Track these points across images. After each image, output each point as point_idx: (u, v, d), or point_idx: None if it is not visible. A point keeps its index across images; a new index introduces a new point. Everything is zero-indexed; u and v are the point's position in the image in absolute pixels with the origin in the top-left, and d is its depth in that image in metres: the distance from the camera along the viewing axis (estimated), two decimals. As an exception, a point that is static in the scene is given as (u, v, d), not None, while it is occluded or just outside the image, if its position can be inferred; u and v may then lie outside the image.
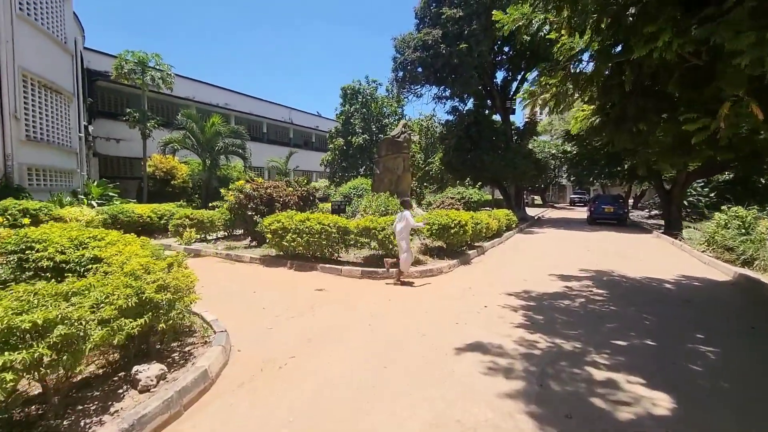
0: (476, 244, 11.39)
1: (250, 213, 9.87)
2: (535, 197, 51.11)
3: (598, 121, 6.30)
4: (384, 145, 12.14)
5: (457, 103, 24.70)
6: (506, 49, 24.97)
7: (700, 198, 25.89)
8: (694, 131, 5.07)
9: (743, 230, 10.07)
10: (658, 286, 7.11)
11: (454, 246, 9.40)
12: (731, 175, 19.36)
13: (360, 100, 27.52)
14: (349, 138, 26.81)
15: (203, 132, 20.14)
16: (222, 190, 11.05)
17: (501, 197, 26.85)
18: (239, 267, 8.26)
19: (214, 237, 11.56)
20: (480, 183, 25.62)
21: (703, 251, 10.81)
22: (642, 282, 7.33)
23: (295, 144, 39.99)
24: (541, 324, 4.89)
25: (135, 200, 18.11)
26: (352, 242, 7.72)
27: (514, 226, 16.41)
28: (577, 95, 6.89)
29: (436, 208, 15.12)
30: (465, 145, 24.24)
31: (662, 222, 29.11)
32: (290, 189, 13.29)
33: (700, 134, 4.90)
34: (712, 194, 29.37)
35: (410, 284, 6.90)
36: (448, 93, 23.51)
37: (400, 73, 21.50)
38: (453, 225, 8.78)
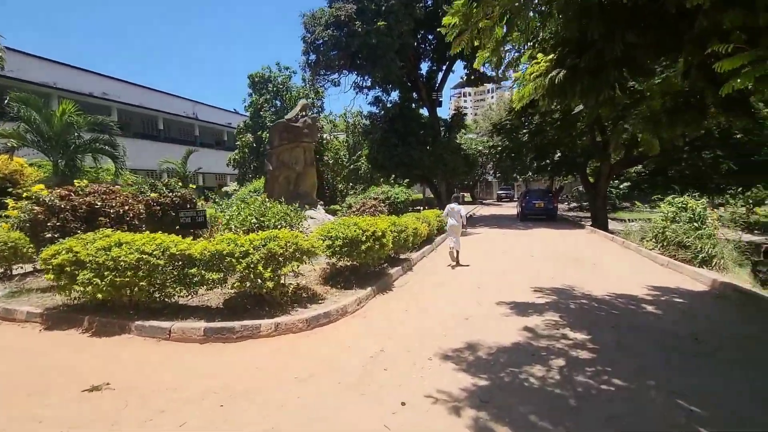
0: (402, 256, 8.94)
1: (50, 234, 6.28)
2: (465, 194, 51.32)
3: (561, 75, 4.11)
4: (277, 132, 9.11)
5: (380, 93, 22.39)
6: (430, 37, 23.33)
7: (611, 190, 26.78)
8: (727, 75, 3.03)
9: (695, 224, 8.93)
10: (638, 309, 5.18)
11: (369, 266, 6.80)
12: (651, 167, 19.58)
13: (271, 89, 23.95)
14: (260, 133, 23.10)
15: (50, 123, 15.21)
16: (9, 201, 7.17)
17: (436, 196, 25.20)
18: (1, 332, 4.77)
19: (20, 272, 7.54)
20: (408, 180, 23.67)
21: (652, 249, 9.57)
22: (617, 305, 5.34)
23: (203, 143, 34.78)
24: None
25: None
26: (196, 279, 4.71)
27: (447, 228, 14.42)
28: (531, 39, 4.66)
29: (356, 211, 12.49)
30: (391, 139, 22.04)
31: (585, 214, 29.89)
32: (154, 195, 9.69)
33: (750, 74, 2.83)
34: (623, 186, 30.95)
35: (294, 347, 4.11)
36: (369, 81, 21.08)
37: (312, 56, 18.52)
38: (364, 238, 6.15)
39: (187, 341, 4.28)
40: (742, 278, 7.08)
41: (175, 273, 4.76)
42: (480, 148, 38.40)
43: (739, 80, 2.88)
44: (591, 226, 17.29)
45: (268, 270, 4.64)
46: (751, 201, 22.24)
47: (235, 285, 4.74)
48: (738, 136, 15.82)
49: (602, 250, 10.84)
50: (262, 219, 5.68)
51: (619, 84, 3.92)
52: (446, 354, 3.81)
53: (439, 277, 7.52)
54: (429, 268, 8.50)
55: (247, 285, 4.75)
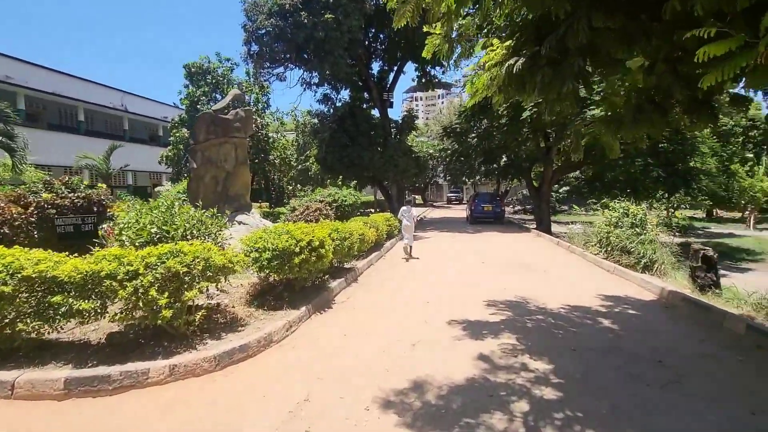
0: (347, 266, 8.14)
1: None
2: (417, 196, 51.68)
3: (520, 64, 3.57)
4: (203, 125, 7.87)
5: (329, 91, 21.43)
6: (382, 36, 22.80)
7: (551, 194, 28.12)
8: (704, 66, 2.63)
9: (637, 229, 9.08)
10: (596, 325, 4.82)
11: (306, 280, 5.91)
12: (589, 174, 20.55)
13: (210, 81, 22.01)
14: (196, 128, 21.11)
15: None
16: None
17: (387, 198, 24.65)
18: None
19: None
20: (356, 182, 22.93)
21: (597, 254, 9.64)
22: (574, 321, 4.96)
23: (134, 138, 31.45)
24: None
25: None
26: (63, 309, 3.55)
27: (396, 232, 13.84)
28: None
29: (299, 215, 11.47)
30: (341, 139, 21.17)
31: (529, 217, 31.05)
32: (47, 195, 8.03)
33: (736, 61, 2.43)
34: (562, 190, 32.65)
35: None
36: (317, 78, 20.05)
37: (255, 47, 17.15)
38: (298, 249, 5.27)
39: (41, 398, 3.14)
40: (682, 283, 7.14)
41: (33, 303, 3.56)
42: (431, 151, 38.77)
43: (725, 69, 2.45)
44: (536, 229, 17.69)
45: (165, 295, 3.61)
46: (672, 205, 24.33)
47: (117, 317, 3.64)
48: (663, 145, 16.99)
49: (550, 255, 10.81)
50: (166, 228, 4.56)
51: (583, 77, 3.45)
52: (388, 399, 3.06)
53: (386, 289, 6.81)
54: (376, 278, 7.77)
55: (137, 315, 3.68)
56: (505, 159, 22.46)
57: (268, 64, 18.83)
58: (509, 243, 13.38)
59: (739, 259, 16.01)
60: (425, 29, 4.73)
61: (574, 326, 4.73)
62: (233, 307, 5.05)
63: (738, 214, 28.63)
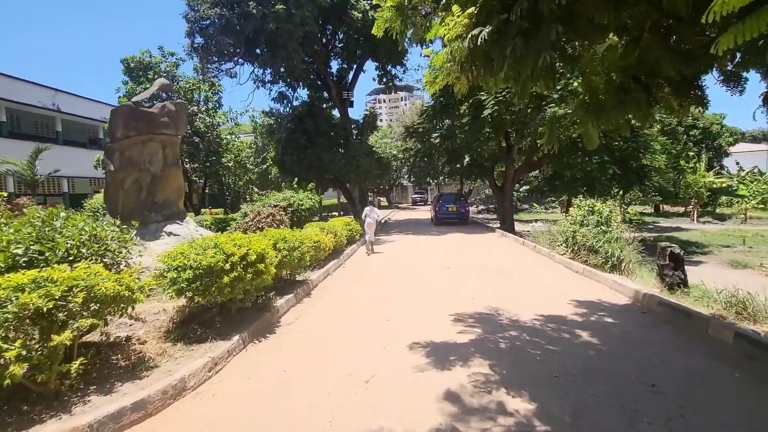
0: (299, 278, 7.24)
1: None
2: (382, 198, 51.11)
3: (486, 34, 2.90)
4: (120, 119, 6.57)
5: (285, 89, 20.26)
6: (340, 35, 21.95)
7: (513, 193, 28.52)
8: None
9: (603, 227, 8.84)
10: (575, 340, 4.27)
11: (243, 301, 4.96)
12: (548, 173, 20.79)
13: (152, 77, 20.15)
14: (137, 129, 19.21)
15: None
16: None
17: (349, 201, 23.74)
18: None
19: None
20: (313, 185, 21.91)
21: (563, 254, 9.34)
22: (550, 336, 4.37)
23: (69, 141, 28.44)
24: None
25: None
26: None
27: (358, 237, 13.03)
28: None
29: (250, 222, 10.40)
30: (299, 140, 20.09)
31: (492, 216, 31.27)
32: None
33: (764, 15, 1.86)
34: (523, 189, 33.28)
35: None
36: (270, 75, 18.86)
37: (199, 40, 15.76)
38: (229, 266, 4.33)
39: None
40: (650, 282, 6.88)
41: None
42: (394, 152, 38.37)
43: (746, 27, 1.87)
44: (500, 228, 17.55)
45: (18, 343, 2.59)
46: (625, 201, 25.29)
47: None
48: (617, 144, 17.39)
49: (517, 256, 10.44)
50: (38, 248, 3.45)
51: (560, 49, 2.85)
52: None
53: (342, 304, 5.98)
54: (332, 291, 6.92)
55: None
56: (468, 159, 22.30)
57: (216, 59, 17.44)
58: (475, 245, 12.96)
59: (690, 252, 16.61)
60: (374, 1, 4.01)
61: (551, 343, 4.14)
62: (143, 342, 4.03)
63: (682, 209, 30.34)
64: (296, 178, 21.37)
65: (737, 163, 31.34)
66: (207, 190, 25.34)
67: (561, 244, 9.68)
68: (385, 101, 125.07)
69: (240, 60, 17.41)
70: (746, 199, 24.99)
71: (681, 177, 23.00)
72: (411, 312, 5.39)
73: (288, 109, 20.31)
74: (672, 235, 20.88)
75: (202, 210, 22.04)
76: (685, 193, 24.37)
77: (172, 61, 21.09)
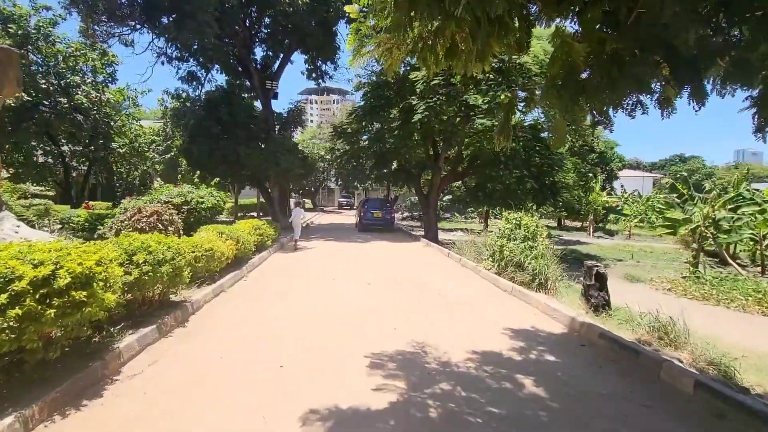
0: (175, 298, 5.53)
1: None
2: (307, 201, 48.87)
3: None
4: None
5: (196, 69, 17.62)
6: (267, 20, 19.94)
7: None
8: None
9: (529, 242, 8.52)
10: (519, 391, 3.41)
11: (54, 347, 3.22)
12: (472, 184, 21.11)
13: (15, 33, 16.01)
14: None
15: None
16: None
17: (267, 202, 21.51)
18: None
19: None
20: (230, 182, 19.53)
21: (489, 268, 8.86)
22: (490, 386, 3.46)
23: None
24: None
25: None
26: None
27: (270, 242, 11.37)
28: None
29: (126, 223, 8.19)
30: (211, 129, 17.61)
31: (416, 224, 31.33)
32: None
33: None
34: (446, 198, 34.02)
35: None
36: (177, 49, 16.18)
37: (80, -8, 12.72)
38: (5, 300, 2.65)
39: None
40: (575, 302, 6.56)
41: None
42: (322, 152, 36.74)
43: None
44: (424, 237, 17.16)
45: None
46: (536, 215, 27.03)
47: None
48: (536, 160, 18.14)
49: (443, 270, 9.78)
50: None
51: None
52: None
53: (222, 342, 4.46)
54: (217, 319, 5.32)
55: None
56: (395, 165, 21.74)
57: (106, 20, 14.35)
58: (399, 255, 12.14)
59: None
60: None
61: (491, 399, 3.22)
62: None
63: (578, 224, 33.61)
64: (206, 173, 18.73)
65: (622, 186, 35.72)
66: (93, 180, 21.10)
67: (487, 258, 9.22)
68: (316, 102, 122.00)
69: (137, 25, 14.55)
70: (629, 218, 28.36)
71: (587, 195, 25.15)
72: (315, 354, 4.12)
73: (198, 93, 17.69)
74: (575, 248, 22.64)
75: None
76: (586, 209, 26.81)
77: (48, 18, 17.00)
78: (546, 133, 17.27)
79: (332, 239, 16.00)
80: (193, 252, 5.74)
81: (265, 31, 20.34)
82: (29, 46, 16.09)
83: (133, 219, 8.32)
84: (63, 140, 16.28)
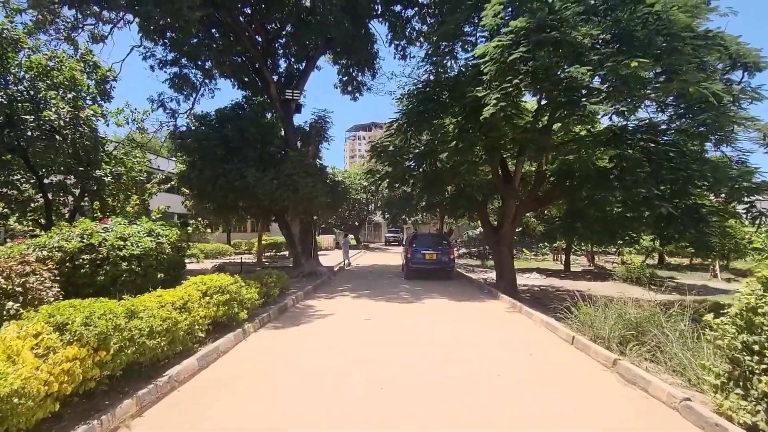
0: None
1: None
2: (351, 236, 44.78)
3: None
4: None
5: (190, 71, 14.26)
6: (289, 28, 16.55)
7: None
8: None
9: None
10: None
11: None
12: (563, 209, 15.27)
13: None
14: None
15: None
16: None
17: (288, 240, 17.14)
18: None
19: None
20: (242, 214, 15.51)
21: (734, 411, 3.29)
22: None
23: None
24: None
25: None
26: None
27: (244, 315, 6.56)
28: None
29: None
30: (216, 150, 14.01)
31: (476, 262, 25.20)
32: None
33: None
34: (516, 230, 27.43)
35: None
36: (166, 49, 12.86)
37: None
38: None
39: None
40: None
41: None
42: (365, 183, 32.46)
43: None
44: (495, 284, 11.56)
45: None
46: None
47: None
48: (665, 173, 11.81)
49: (561, 382, 4.25)
50: None
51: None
52: None
53: None
54: None
55: None
56: (452, 188, 16.56)
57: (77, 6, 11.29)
58: (467, 333, 6.74)
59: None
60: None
61: None
62: None
63: (683, 260, 25.52)
64: (211, 205, 14.94)
65: (755, 207, 27.00)
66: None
67: (709, 373, 3.56)
68: (365, 138, 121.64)
69: (112, 11, 11.36)
70: (764, 253, 20.37)
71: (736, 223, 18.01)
72: None
73: (191, 101, 14.18)
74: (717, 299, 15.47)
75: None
76: (722, 243, 19.32)
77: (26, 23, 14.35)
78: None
79: (366, 294, 10.97)
80: None
81: (283, 27, 16.73)
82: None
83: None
84: (42, 170, 13.34)
